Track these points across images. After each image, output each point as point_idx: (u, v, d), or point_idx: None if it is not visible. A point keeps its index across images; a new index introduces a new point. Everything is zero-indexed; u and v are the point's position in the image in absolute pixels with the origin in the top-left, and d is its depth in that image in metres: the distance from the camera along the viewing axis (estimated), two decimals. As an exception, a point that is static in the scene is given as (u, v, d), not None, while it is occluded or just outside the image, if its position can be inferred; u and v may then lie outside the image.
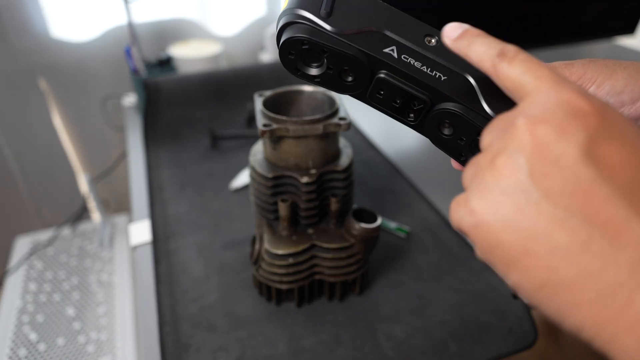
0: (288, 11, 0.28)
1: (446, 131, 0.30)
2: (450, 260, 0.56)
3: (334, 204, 0.46)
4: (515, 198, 0.18)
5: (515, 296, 0.40)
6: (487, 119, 0.27)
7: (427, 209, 0.64)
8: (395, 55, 0.28)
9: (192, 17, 1.03)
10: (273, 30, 1.00)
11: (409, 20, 0.29)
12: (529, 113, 0.19)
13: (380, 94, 0.29)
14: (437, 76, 0.28)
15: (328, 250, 0.46)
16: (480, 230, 0.19)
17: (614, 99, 0.27)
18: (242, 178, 0.70)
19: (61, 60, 0.97)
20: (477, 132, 0.28)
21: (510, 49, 0.22)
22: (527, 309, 0.50)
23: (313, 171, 0.44)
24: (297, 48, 0.28)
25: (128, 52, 0.83)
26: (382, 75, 0.28)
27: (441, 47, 0.28)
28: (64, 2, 0.91)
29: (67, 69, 0.99)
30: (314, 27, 0.27)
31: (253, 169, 0.46)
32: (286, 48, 0.28)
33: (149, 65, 0.92)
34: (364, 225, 0.45)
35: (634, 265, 0.15)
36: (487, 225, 0.18)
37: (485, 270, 0.54)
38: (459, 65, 0.28)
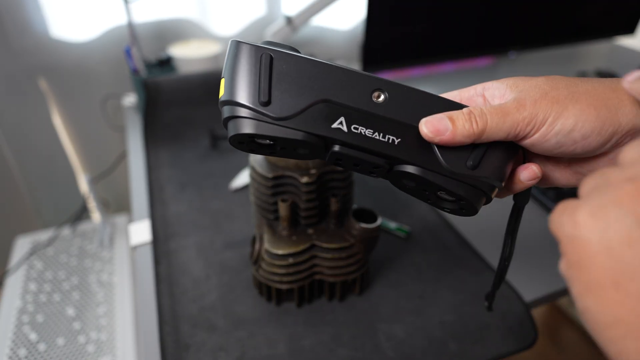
0: (227, 102, 0.27)
1: (409, 184, 0.30)
2: (450, 260, 0.56)
3: (334, 204, 0.46)
4: (630, 229, 0.16)
5: (490, 307, 0.39)
6: (445, 175, 0.28)
7: (427, 209, 0.64)
8: (344, 129, 0.27)
9: (192, 17, 1.03)
10: (273, 30, 1.00)
11: (353, 77, 0.27)
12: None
13: (339, 162, 0.29)
14: (390, 141, 0.28)
15: (328, 250, 0.46)
16: (575, 244, 0.18)
17: (564, 138, 0.27)
18: (242, 178, 0.70)
19: (61, 60, 0.97)
20: (438, 188, 0.28)
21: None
22: (527, 309, 0.50)
23: (313, 171, 0.44)
24: (246, 139, 0.27)
25: (128, 52, 0.83)
26: (336, 149, 0.28)
27: (390, 101, 0.27)
28: (64, 2, 0.91)
29: (67, 69, 0.99)
30: (257, 120, 0.26)
31: (253, 169, 0.46)
32: (235, 140, 0.28)
33: (149, 65, 0.92)
34: (364, 225, 0.45)
35: None
36: (587, 242, 0.17)
37: (485, 271, 0.54)
38: (412, 116, 0.27)
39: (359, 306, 0.50)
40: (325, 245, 0.46)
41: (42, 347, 0.75)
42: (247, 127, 0.26)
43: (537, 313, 1.36)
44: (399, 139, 0.28)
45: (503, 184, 0.29)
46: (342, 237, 0.46)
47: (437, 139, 0.27)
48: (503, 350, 0.46)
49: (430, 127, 0.27)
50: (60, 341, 0.76)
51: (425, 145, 0.28)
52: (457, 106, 0.28)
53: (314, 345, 0.46)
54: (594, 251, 0.17)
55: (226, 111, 0.27)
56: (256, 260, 0.49)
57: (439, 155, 0.28)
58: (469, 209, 0.30)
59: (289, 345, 0.46)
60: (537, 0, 0.94)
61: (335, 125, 0.27)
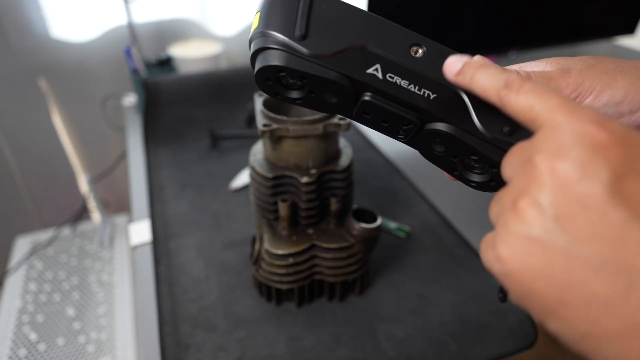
0: (260, 34, 0.25)
1: (438, 148, 0.28)
2: (450, 260, 0.56)
3: (334, 204, 0.46)
4: (542, 245, 0.16)
5: (504, 298, 0.38)
6: (480, 138, 0.26)
7: (427, 209, 0.64)
8: (379, 75, 0.26)
9: (192, 17, 1.03)
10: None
11: (392, 29, 0.26)
12: (546, 149, 0.17)
13: (367, 115, 0.27)
14: (425, 95, 0.26)
15: (328, 250, 0.46)
16: (511, 279, 0.18)
17: (612, 110, 0.25)
18: (242, 178, 0.70)
19: (61, 61, 0.97)
20: (470, 151, 0.27)
21: (514, 78, 0.21)
22: (527, 309, 0.50)
23: (313, 171, 0.44)
24: (274, 75, 0.26)
25: (128, 52, 0.83)
26: (367, 98, 0.26)
27: (429, 57, 0.26)
28: (64, 2, 0.91)
29: (67, 69, 0.99)
30: (290, 53, 0.25)
31: (253, 169, 0.46)
32: (262, 75, 0.26)
33: (149, 65, 0.92)
34: (364, 225, 0.45)
35: None
36: (518, 274, 0.17)
37: (485, 271, 0.54)
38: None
39: (359, 306, 0.50)
40: (325, 245, 0.46)
41: (42, 347, 0.75)
42: (279, 59, 0.25)
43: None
44: (435, 95, 0.26)
45: None
46: (342, 237, 0.46)
47: (452, 76, 0.25)
48: (503, 351, 0.46)
49: (449, 63, 0.25)
50: (60, 341, 0.76)
51: (461, 106, 0.26)
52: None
53: (314, 345, 0.46)
54: (527, 280, 0.17)
55: (257, 44, 0.25)
56: (256, 260, 0.49)
57: (475, 116, 0.26)
58: (499, 180, 0.28)
59: (289, 345, 0.46)
60: (537, 0, 0.94)
61: (370, 70, 0.26)
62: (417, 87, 0.26)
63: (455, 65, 0.24)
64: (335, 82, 0.25)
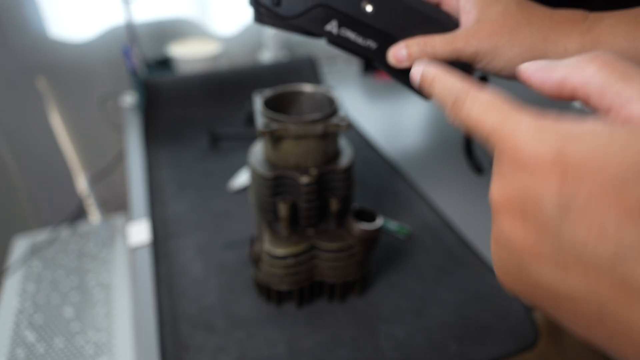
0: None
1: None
2: (451, 260, 0.56)
3: (334, 204, 0.46)
4: (524, 242, 0.17)
5: (478, 168, 0.42)
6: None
7: (427, 209, 0.64)
8: (334, 31, 0.36)
9: (192, 16, 1.03)
10: (273, 30, 1.00)
11: None
12: (495, 186, 0.18)
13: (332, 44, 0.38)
14: (368, 46, 0.36)
15: (328, 250, 0.46)
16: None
17: (498, 73, 0.35)
18: (242, 178, 0.70)
19: (60, 60, 0.97)
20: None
21: (459, 96, 0.22)
22: (528, 309, 0.49)
23: (313, 171, 0.44)
24: (260, 19, 0.36)
25: (126, 52, 0.83)
26: (328, 38, 0.36)
27: (376, 12, 0.35)
28: (62, 2, 0.91)
29: (65, 69, 0.98)
30: (269, 12, 0.35)
31: (253, 169, 0.46)
32: (254, 16, 0.36)
33: (149, 65, 0.91)
34: (364, 225, 0.45)
35: None
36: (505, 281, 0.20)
37: (485, 272, 0.54)
38: (393, 28, 0.35)
39: (359, 307, 0.50)
40: (325, 245, 0.46)
41: (40, 347, 0.74)
42: (261, 19, 0.36)
43: (538, 314, 1.36)
44: (377, 45, 0.36)
45: None
46: (343, 238, 0.46)
47: (399, 65, 0.35)
48: (504, 351, 0.45)
49: (392, 56, 0.36)
50: (59, 342, 0.76)
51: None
52: (435, 22, 0.36)
53: (314, 346, 0.46)
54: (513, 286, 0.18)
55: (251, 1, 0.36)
56: (256, 260, 0.48)
57: None
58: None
59: (289, 346, 0.46)
60: (537, 0, 0.94)
61: (327, 27, 0.36)
62: (361, 39, 0.36)
63: (415, 76, 0.29)
64: (303, 31, 0.36)
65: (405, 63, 0.36)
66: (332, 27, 0.36)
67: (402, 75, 0.38)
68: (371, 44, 0.36)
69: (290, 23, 0.35)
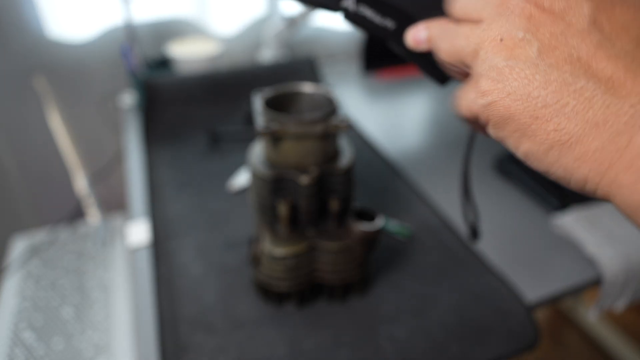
0: None
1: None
2: (451, 261, 0.56)
3: (334, 205, 0.46)
4: (526, 73, 0.19)
5: (474, 234, 0.41)
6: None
7: (427, 209, 0.64)
8: (351, 8, 0.34)
9: (191, 16, 1.03)
10: (273, 30, 1.00)
11: None
12: None
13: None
14: (385, 26, 0.34)
15: (328, 251, 0.46)
16: (493, 107, 0.20)
17: None
18: (242, 178, 0.70)
19: (58, 60, 0.97)
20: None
21: None
22: (529, 310, 0.49)
23: (313, 171, 0.44)
24: None
25: (125, 52, 0.83)
26: (344, 14, 0.35)
27: None
28: (61, 2, 0.90)
29: (64, 69, 0.98)
30: None
31: (253, 169, 0.46)
32: None
33: (148, 65, 0.91)
34: (365, 225, 0.45)
35: (635, 111, 0.17)
36: (500, 100, 0.20)
37: (486, 272, 0.54)
38: (412, 5, 0.33)
39: (359, 307, 0.50)
40: (325, 246, 0.46)
41: (39, 348, 0.74)
42: None
43: (539, 315, 1.36)
44: (396, 25, 0.34)
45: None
46: (343, 238, 0.46)
47: (417, 48, 0.33)
48: (504, 352, 0.45)
49: (411, 37, 0.33)
50: (58, 342, 0.75)
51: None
52: None
53: (314, 346, 0.46)
54: (508, 103, 0.20)
55: None
56: (256, 261, 0.48)
57: None
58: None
59: (289, 347, 0.46)
60: None
61: (344, 3, 0.34)
62: (379, 18, 0.34)
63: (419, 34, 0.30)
64: (321, 5, 0.35)
65: (423, 45, 0.33)
66: (349, 3, 0.34)
67: (419, 59, 0.36)
68: (389, 23, 0.34)
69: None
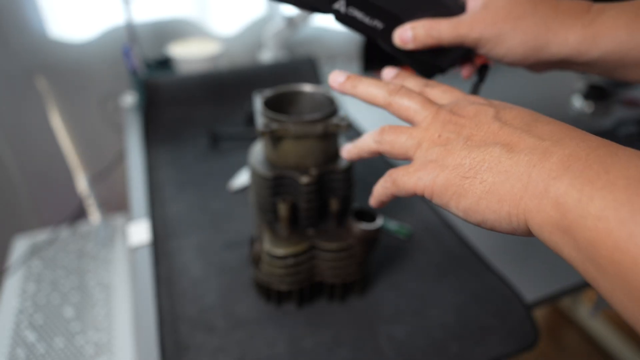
0: None
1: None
2: (451, 261, 0.56)
3: (334, 204, 0.46)
4: (457, 153, 0.26)
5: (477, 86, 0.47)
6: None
7: (427, 209, 0.64)
8: (342, 10, 0.36)
9: (192, 16, 1.03)
10: (273, 30, 1.00)
11: None
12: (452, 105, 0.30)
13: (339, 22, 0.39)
14: (374, 26, 0.37)
15: (328, 250, 0.46)
16: (436, 180, 0.27)
17: (499, 60, 0.38)
18: (242, 178, 0.70)
19: (59, 60, 0.97)
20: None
21: (397, 87, 0.33)
22: (528, 310, 0.49)
23: (313, 171, 0.44)
24: None
25: (126, 52, 0.83)
26: (335, 16, 0.37)
27: None
28: (62, 2, 0.91)
29: (65, 69, 0.98)
30: None
31: (253, 169, 0.46)
32: None
33: (149, 65, 0.91)
34: (364, 225, 0.45)
35: (528, 159, 0.23)
36: (442, 173, 0.27)
37: (486, 271, 0.54)
38: (400, 8, 0.36)
39: (359, 307, 0.50)
40: (325, 245, 0.46)
41: (41, 347, 0.74)
42: None
43: (539, 315, 1.36)
44: (384, 26, 0.37)
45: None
46: (343, 238, 0.46)
47: (405, 46, 0.37)
48: (504, 352, 0.45)
49: (398, 37, 0.37)
50: (59, 342, 0.76)
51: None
52: (442, 5, 0.37)
53: (314, 346, 0.46)
54: (446, 176, 0.26)
55: None
56: (256, 261, 0.48)
57: None
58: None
59: (289, 346, 0.46)
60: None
61: (335, 5, 0.36)
62: (368, 18, 0.37)
63: (339, 77, 0.36)
64: (313, 8, 0.37)
65: (410, 45, 0.37)
66: (340, 5, 0.36)
67: (406, 56, 0.39)
68: (378, 24, 0.37)
69: (304, 1, 0.36)
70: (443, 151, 0.27)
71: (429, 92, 0.33)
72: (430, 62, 0.40)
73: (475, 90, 0.43)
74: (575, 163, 0.20)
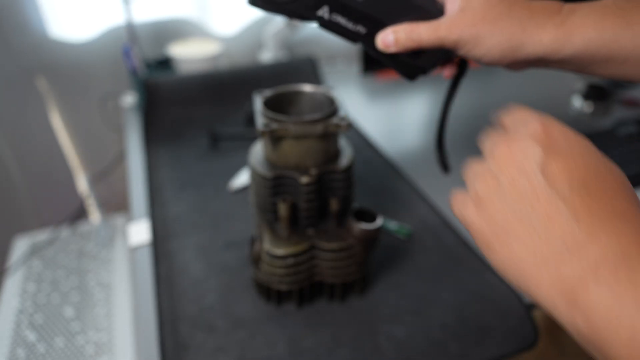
0: None
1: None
2: (451, 260, 0.56)
3: (334, 204, 0.46)
4: (494, 203, 0.25)
5: (445, 167, 0.49)
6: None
7: (427, 209, 0.64)
8: (326, 16, 0.37)
9: (192, 16, 1.03)
10: (273, 30, 1.00)
11: None
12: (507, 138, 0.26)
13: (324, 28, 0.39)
14: (358, 31, 0.38)
15: (328, 250, 0.46)
16: (470, 225, 0.26)
17: (478, 60, 0.38)
18: (242, 178, 0.70)
19: (60, 60, 0.97)
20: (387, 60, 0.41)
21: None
22: (528, 309, 0.49)
23: (313, 171, 0.44)
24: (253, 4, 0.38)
25: (126, 53, 0.83)
26: (319, 23, 0.38)
27: (367, 0, 0.37)
28: (62, 2, 0.91)
29: (66, 69, 0.98)
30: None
31: (253, 169, 0.46)
32: (250, 3, 0.38)
33: (149, 65, 0.91)
34: (364, 225, 0.45)
35: (563, 239, 0.22)
36: (480, 229, 0.26)
37: (485, 271, 0.54)
38: (382, 14, 0.37)
39: (359, 307, 0.50)
40: (325, 245, 0.46)
41: (41, 347, 0.75)
42: (258, 3, 0.37)
43: (539, 315, 1.36)
44: (366, 30, 0.38)
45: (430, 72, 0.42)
46: (343, 238, 0.46)
47: (387, 50, 0.39)
48: (504, 351, 0.46)
49: (380, 41, 0.38)
50: (60, 342, 0.76)
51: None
52: (422, 10, 0.38)
53: (314, 346, 0.46)
54: (484, 232, 0.25)
55: None
56: (256, 260, 0.48)
57: None
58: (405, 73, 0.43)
59: (289, 346, 0.46)
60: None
61: (319, 12, 0.37)
62: (351, 24, 0.38)
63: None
64: (297, 16, 0.38)
65: (392, 48, 0.38)
66: (323, 12, 0.37)
67: (389, 59, 0.40)
68: (361, 29, 0.38)
69: (283, 7, 0.37)
70: (485, 195, 0.26)
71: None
72: (412, 65, 0.41)
73: (455, 85, 0.45)
74: (605, 270, 0.20)
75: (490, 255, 0.25)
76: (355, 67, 1.13)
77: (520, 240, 0.23)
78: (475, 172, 0.27)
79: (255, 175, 0.46)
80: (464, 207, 0.27)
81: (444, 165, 0.49)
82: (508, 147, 0.25)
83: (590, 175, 0.23)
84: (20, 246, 0.96)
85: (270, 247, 0.45)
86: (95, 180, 1.09)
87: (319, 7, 0.37)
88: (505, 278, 0.25)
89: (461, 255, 0.56)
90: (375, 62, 1.04)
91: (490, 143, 0.27)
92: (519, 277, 0.23)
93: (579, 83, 0.96)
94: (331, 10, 0.37)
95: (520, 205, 0.24)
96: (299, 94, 0.48)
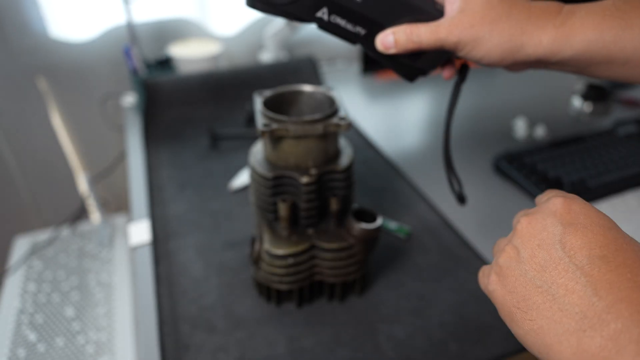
0: None
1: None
2: (451, 260, 0.56)
3: (334, 204, 0.46)
4: (515, 279, 0.26)
5: (461, 200, 0.50)
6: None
7: (427, 209, 0.64)
8: (325, 18, 0.37)
9: (192, 16, 1.03)
10: (273, 30, 1.00)
11: None
12: (527, 213, 0.28)
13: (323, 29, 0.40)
14: (357, 32, 0.38)
15: (328, 250, 0.46)
16: (493, 295, 0.28)
17: (477, 61, 0.39)
18: (242, 178, 0.70)
19: (60, 60, 0.97)
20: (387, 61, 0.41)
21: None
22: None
23: (313, 171, 0.44)
24: (251, 7, 0.38)
25: (127, 52, 0.83)
26: (319, 24, 0.38)
27: (364, 1, 0.36)
28: (63, 2, 0.91)
29: (66, 69, 0.99)
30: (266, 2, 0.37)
31: (253, 169, 0.46)
32: (249, 5, 0.38)
33: (149, 65, 0.91)
34: (364, 225, 0.45)
35: (583, 310, 0.22)
36: (495, 292, 0.27)
37: (485, 271, 0.54)
38: (381, 16, 0.37)
39: (359, 307, 0.50)
40: (325, 245, 0.46)
41: (41, 347, 0.75)
42: (256, 5, 0.37)
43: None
44: (366, 32, 0.38)
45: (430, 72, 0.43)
46: (342, 238, 0.46)
47: (387, 51, 0.39)
48: (504, 351, 0.46)
49: (380, 42, 0.39)
50: (60, 341, 0.76)
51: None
52: (421, 11, 0.37)
53: (314, 345, 0.46)
54: (502, 294, 0.27)
55: None
56: (256, 260, 0.49)
57: None
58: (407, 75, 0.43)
59: (289, 346, 0.46)
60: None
61: (318, 14, 0.37)
62: (350, 26, 0.38)
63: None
64: (296, 17, 0.38)
65: (392, 49, 0.38)
66: (322, 13, 0.37)
67: (389, 60, 0.40)
68: (360, 30, 0.38)
69: (282, 9, 0.36)
70: (506, 266, 0.27)
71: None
72: (412, 66, 0.41)
73: (457, 90, 0.45)
74: (627, 340, 0.20)
75: (512, 326, 0.26)
76: (355, 67, 1.13)
77: (540, 310, 0.24)
78: (499, 247, 0.29)
79: (255, 175, 0.46)
80: (487, 278, 0.28)
81: (460, 197, 0.49)
82: (529, 223, 0.27)
83: (610, 248, 0.23)
84: (21, 246, 0.96)
85: (270, 246, 0.46)
86: (96, 180, 1.09)
87: (318, 8, 0.37)
88: (528, 349, 0.25)
89: (461, 255, 0.56)
90: (375, 63, 1.04)
91: (515, 220, 0.29)
92: (540, 347, 0.24)
93: (578, 83, 0.96)
94: (330, 12, 0.37)
95: (540, 276, 0.24)
96: (298, 94, 0.48)
